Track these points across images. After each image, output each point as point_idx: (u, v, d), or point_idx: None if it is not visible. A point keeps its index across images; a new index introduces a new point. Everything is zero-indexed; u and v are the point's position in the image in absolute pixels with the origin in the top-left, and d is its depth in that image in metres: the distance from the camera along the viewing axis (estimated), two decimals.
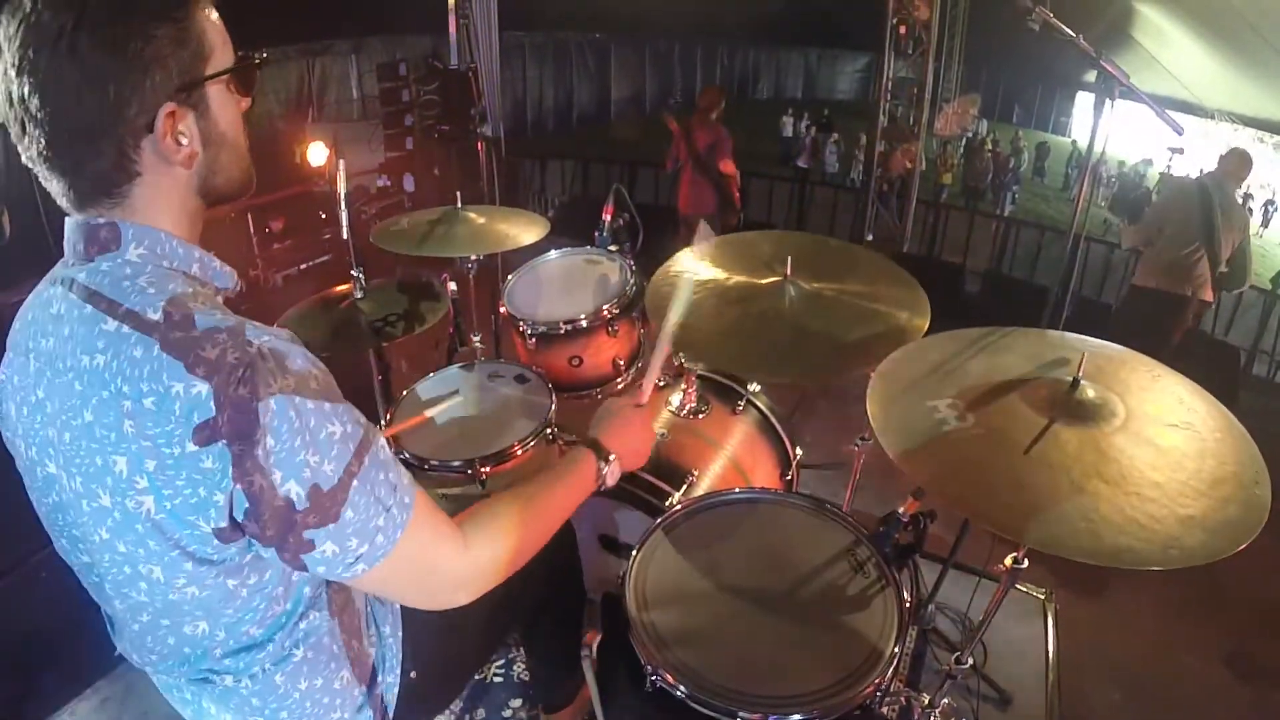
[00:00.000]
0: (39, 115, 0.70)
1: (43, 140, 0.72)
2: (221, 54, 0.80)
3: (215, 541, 0.75)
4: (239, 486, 0.71)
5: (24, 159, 0.75)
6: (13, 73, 0.69)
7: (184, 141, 0.77)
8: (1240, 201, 3.62)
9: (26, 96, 0.70)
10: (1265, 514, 1.05)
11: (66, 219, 0.79)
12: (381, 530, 0.80)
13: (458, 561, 0.89)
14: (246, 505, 0.72)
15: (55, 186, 0.77)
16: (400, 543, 0.81)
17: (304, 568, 0.78)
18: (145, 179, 0.77)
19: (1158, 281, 3.69)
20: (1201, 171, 3.65)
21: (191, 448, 0.70)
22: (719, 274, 1.77)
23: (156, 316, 0.72)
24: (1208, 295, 3.63)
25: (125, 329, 0.72)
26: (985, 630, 1.60)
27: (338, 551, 0.77)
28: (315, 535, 0.76)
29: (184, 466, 0.71)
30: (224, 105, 0.81)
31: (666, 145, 4.91)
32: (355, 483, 0.77)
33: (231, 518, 0.74)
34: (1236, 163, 3.54)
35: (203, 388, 0.69)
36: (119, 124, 0.73)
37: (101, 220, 0.77)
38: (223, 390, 0.69)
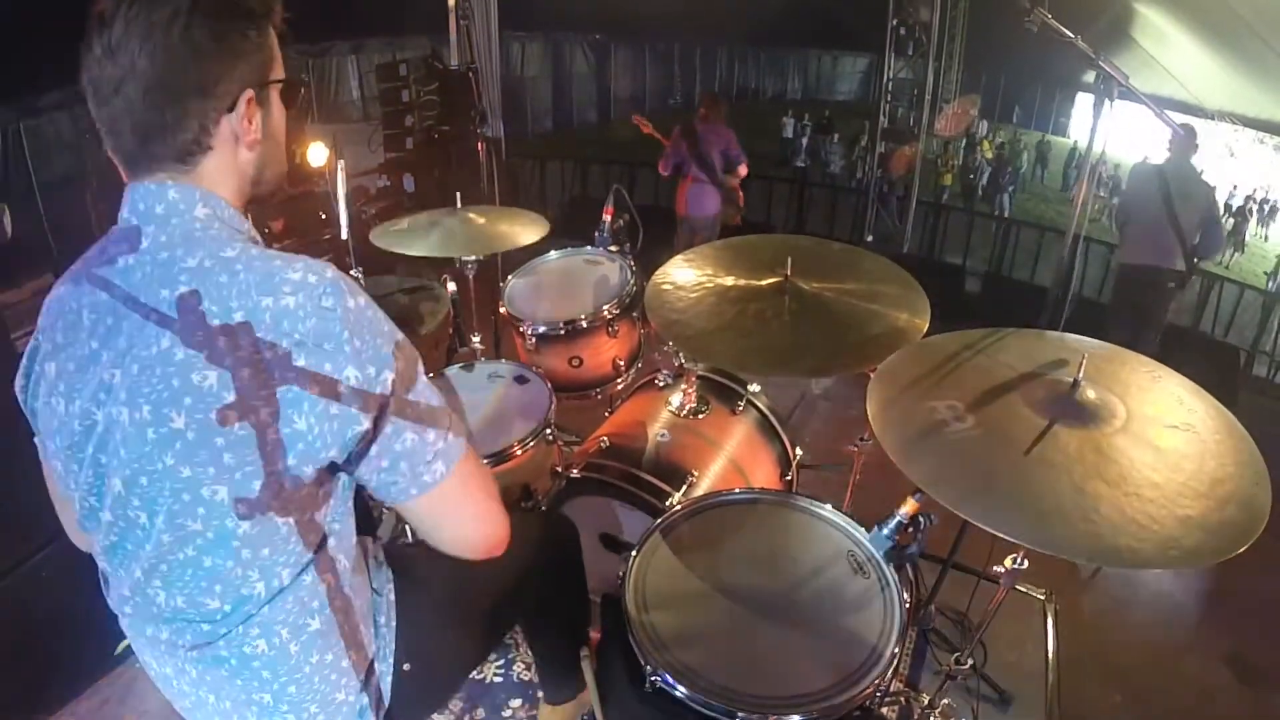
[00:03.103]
0: (145, 76, 0.80)
1: (140, 101, 0.81)
2: (279, 65, 0.93)
3: (299, 450, 0.80)
4: (326, 387, 0.80)
5: (104, 121, 0.83)
6: (122, 39, 0.79)
7: (253, 128, 0.89)
8: (1200, 175, 4.02)
9: (135, 60, 0.79)
10: (1265, 515, 1.05)
11: (129, 185, 0.86)
12: (452, 428, 0.91)
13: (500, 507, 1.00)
14: (335, 406, 0.80)
15: (129, 146, 0.84)
16: (464, 455, 0.92)
17: (385, 468, 0.86)
18: (216, 153, 0.87)
19: (1136, 257, 4.15)
20: (1165, 158, 4.05)
21: (284, 351, 0.78)
22: (720, 275, 1.78)
23: (236, 253, 0.82)
24: (1179, 264, 4.04)
25: (208, 263, 0.81)
26: (985, 630, 1.61)
27: (417, 443, 0.87)
28: (409, 426, 0.86)
29: (279, 368, 0.78)
30: (279, 109, 0.95)
31: (663, 147, 4.88)
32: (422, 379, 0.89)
33: (319, 423, 0.80)
34: (1184, 140, 3.91)
35: (290, 300, 0.79)
36: (211, 97, 0.84)
37: (170, 184, 0.85)
38: (309, 301, 0.80)
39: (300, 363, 0.79)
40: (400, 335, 0.88)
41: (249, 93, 0.87)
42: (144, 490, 0.82)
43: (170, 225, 0.84)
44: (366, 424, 0.83)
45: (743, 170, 4.77)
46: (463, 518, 0.96)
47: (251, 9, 0.86)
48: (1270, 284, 11.31)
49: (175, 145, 0.85)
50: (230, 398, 0.78)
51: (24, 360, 0.92)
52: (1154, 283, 4.10)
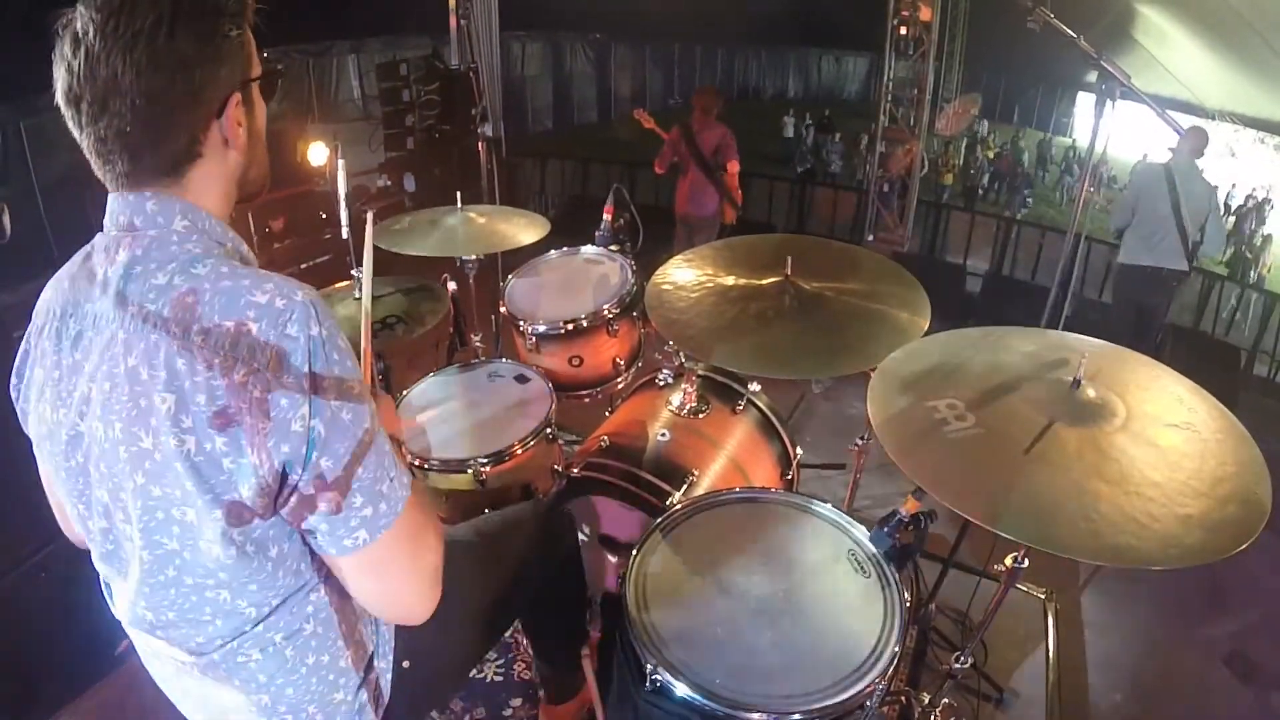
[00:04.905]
0: (130, 92, 0.76)
1: (128, 116, 0.77)
2: (257, 60, 0.89)
3: (252, 484, 0.77)
4: (277, 422, 0.76)
5: (89, 139, 0.79)
6: (102, 54, 0.75)
7: (241, 131, 0.86)
8: (1202, 174, 4.02)
9: (120, 75, 0.75)
10: (1265, 514, 1.05)
11: (110, 195, 0.84)
12: (385, 498, 0.84)
13: (439, 548, 0.94)
14: (286, 445, 0.76)
15: (119, 165, 0.81)
16: (401, 515, 0.85)
17: (306, 524, 0.81)
18: (204, 160, 0.85)
19: (1141, 258, 4.13)
20: (1170, 155, 4.06)
21: (239, 379, 0.75)
22: (720, 274, 1.78)
23: (205, 270, 0.79)
24: (1182, 265, 4.05)
25: (177, 279, 0.78)
26: (986, 629, 1.61)
27: (336, 511, 0.80)
28: (328, 488, 0.79)
29: (233, 397, 0.75)
30: (260, 105, 0.91)
31: (662, 145, 4.87)
32: (371, 440, 0.82)
33: (268, 459, 0.76)
34: (1194, 140, 3.93)
35: (253, 326, 0.76)
36: (199, 105, 0.81)
37: (149, 194, 0.83)
38: (272, 328, 0.76)
39: (256, 393, 0.75)
40: (358, 375, 0.83)
41: (236, 95, 0.84)
42: (124, 505, 0.82)
43: (146, 239, 0.82)
44: (311, 470, 0.78)
45: (732, 168, 4.74)
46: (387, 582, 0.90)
47: (231, 5, 0.82)
48: (1251, 273, 11.30)
49: (165, 158, 0.82)
50: (188, 422, 0.76)
51: (17, 360, 0.92)
52: (1158, 283, 4.11)
